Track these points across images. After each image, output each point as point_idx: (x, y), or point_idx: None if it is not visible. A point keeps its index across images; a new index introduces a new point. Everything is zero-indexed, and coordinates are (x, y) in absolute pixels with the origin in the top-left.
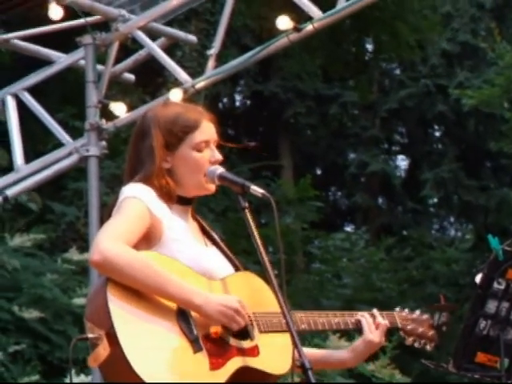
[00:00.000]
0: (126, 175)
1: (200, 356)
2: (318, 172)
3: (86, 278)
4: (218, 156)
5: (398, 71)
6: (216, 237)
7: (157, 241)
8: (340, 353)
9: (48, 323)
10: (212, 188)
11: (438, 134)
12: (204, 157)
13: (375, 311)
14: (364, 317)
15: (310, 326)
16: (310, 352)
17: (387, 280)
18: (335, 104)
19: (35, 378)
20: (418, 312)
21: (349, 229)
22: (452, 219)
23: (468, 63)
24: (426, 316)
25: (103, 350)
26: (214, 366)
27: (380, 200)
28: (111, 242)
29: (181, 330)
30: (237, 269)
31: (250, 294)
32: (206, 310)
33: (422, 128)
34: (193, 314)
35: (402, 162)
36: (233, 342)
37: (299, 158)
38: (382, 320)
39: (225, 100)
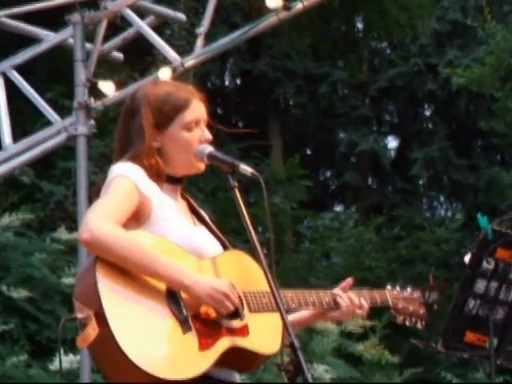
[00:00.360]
0: (116, 154)
1: (189, 336)
2: (308, 151)
3: (74, 257)
4: (208, 135)
5: (387, 50)
6: (205, 216)
7: (146, 219)
8: (306, 314)
9: (36, 303)
10: (202, 167)
11: (427, 113)
12: (194, 136)
13: (351, 294)
14: (342, 297)
15: (301, 306)
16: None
17: (376, 259)
18: (325, 83)
19: (23, 357)
20: (409, 289)
21: (338, 208)
22: (442, 199)
23: (458, 42)
24: (417, 294)
25: (92, 331)
26: (203, 347)
27: (370, 179)
28: (100, 220)
29: (170, 310)
30: (225, 248)
31: (239, 272)
32: (195, 291)
33: (411, 107)
34: (182, 293)
35: (392, 141)
36: (222, 321)
37: (288, 138)
38: (357, 301)
39: (214, 79)
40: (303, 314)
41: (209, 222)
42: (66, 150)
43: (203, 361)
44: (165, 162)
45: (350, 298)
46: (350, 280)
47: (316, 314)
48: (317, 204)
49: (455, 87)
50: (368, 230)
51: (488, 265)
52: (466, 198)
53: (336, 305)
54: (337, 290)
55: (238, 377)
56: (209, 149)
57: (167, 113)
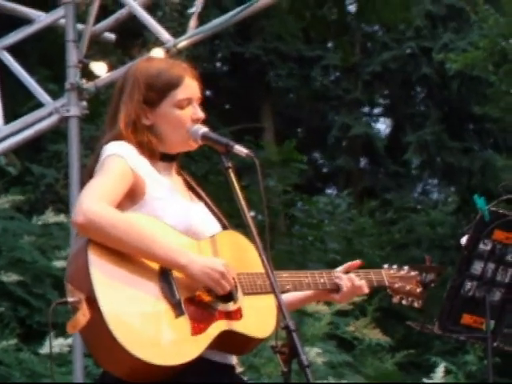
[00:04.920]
0: (106, 129)
1: (182, 320)
2: (300, 135)
3: (64, 239)
4: (200, 114)
5: (380, 33)
6: (202, 193)
7: (139, 199)
8: (302, 294)
9: (27, 286)
10: (195, 144)
11: (421, 95)
12: (186, 114)
13: (352, 275)
14: (342, 280)
15: (295, 287)
16: (290, 296)
17: (370, 244)
18: (317, 66)
19: (13, 341)
20: (406, 268)
21: (330, 191)
22: (435, 182)
23: (453, 25)
24: (414, 273)
25: (82, 316)
26: (196, 331)
27: (362, 163)
28: (95, 202)
29: (163, 294)
30: (223, 224)
31: (234, 254)
32: (191, 270)
33: (404, 90)
34: (175, 276)
35: (385, 124)
36: (216, 305)
37: (280, 121)
38: (359, 282)
39: (205, 62)
40: (298, 294)
41: (206, 199)
42: (56, 134)
43: (195, 346)
44: (158, 140)
45: (351, 280)
46: (357, 262)
47: (314, 294)
48: (309, 187)
49: (451, 72)
50: (361, 214)
51: (485, 246)
52: (459, 181)
53: (332, 286)
54: (338, 272)
55: (235, 359)
56: (203, 129)
57: (159, 90)
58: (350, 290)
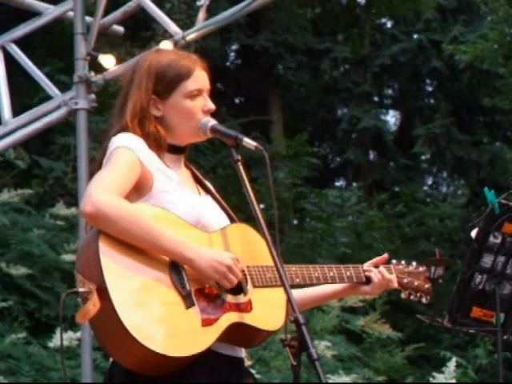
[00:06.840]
0: (114, 120)
1: (192, 312)
2: (309, 128)
3: (73, 233)
4: (211, 105)
5: (390, 25)
6: (210, 186)
7: (146, 192)
8: (333, 286)
9: (36, 280)
10: (204, 136)
11: (430, 88)
12: (196, 105)
13: (382, 269)
14: (372, 272)
15: (305, 281)
16: (304, 293)
17: (380, 237)
18: (326, 59)
19: (22, 334)
20: (414, 264)
21: (339, 184)
22: (445, 175)
23: (463, 18)
24: (422, 268)
25: (92, 307)
26: (206, 323)
27: (372, 156)
28: (104, 193)
29: (173, 285)
30: (230, 217)
31: (244, 246)
32: (199, 264)
33: (413, 82)
34: (186, 268)
35: (394, 117)
36: (226, 297)
37: (289, 114)
38: (389, 275)
39: (214, 54)
40: (326, 289)
41: (214, 192)
42: (64, 126)
43: (206, 337)
44: (167, 131)
45: (382, 273)
46: (385, 256)
47: (343, 288)
48: (318, 180)
49: (461, 65)
50: (371, 207)
51: (495, 239)
52: (469, 173)
53: (359, 279)
54: (367, 265)
55: (243, 352)
56: (212, 122)
57: (169, 81)
58: (380, 282)
